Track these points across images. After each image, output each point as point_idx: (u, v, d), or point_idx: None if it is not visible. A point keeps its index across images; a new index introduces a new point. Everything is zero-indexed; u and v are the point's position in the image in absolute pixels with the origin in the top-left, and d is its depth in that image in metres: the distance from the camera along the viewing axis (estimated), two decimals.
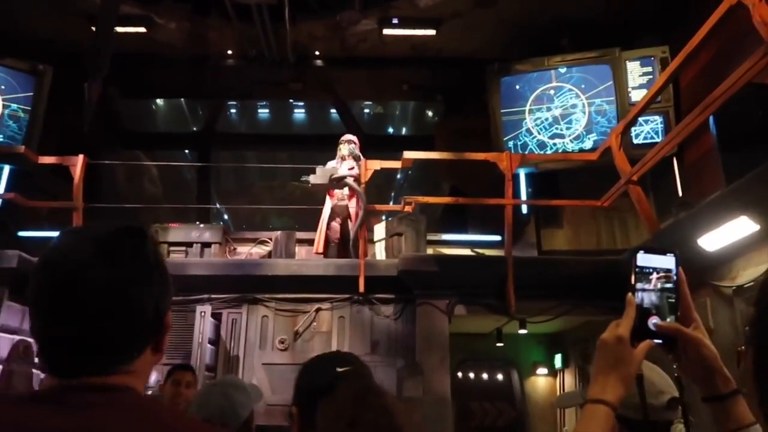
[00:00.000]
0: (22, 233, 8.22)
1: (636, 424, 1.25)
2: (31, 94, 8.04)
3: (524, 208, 8.18)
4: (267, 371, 5.79)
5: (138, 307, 0.94)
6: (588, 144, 7.92)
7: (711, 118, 4.61)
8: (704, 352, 0.99)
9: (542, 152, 7.87)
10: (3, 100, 7.96)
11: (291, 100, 14.08)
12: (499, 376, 8.77)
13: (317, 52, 9.10)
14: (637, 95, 7.79)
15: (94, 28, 7.43)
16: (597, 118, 7.95)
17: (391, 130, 14.95)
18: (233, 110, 14.54)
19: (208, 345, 5.53)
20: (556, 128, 8.03)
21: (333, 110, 13.24)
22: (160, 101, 13.04)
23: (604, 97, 7.90)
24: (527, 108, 8.12)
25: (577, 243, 8.56)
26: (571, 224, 8.70)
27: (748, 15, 3.86)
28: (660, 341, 1.02)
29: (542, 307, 5.91)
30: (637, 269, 1.05)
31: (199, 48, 8.90)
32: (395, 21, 8.25)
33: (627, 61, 7.82)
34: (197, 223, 8.27)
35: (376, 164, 6.12)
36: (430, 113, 12.85)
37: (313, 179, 6.18)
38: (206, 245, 7.56)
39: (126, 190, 10.37)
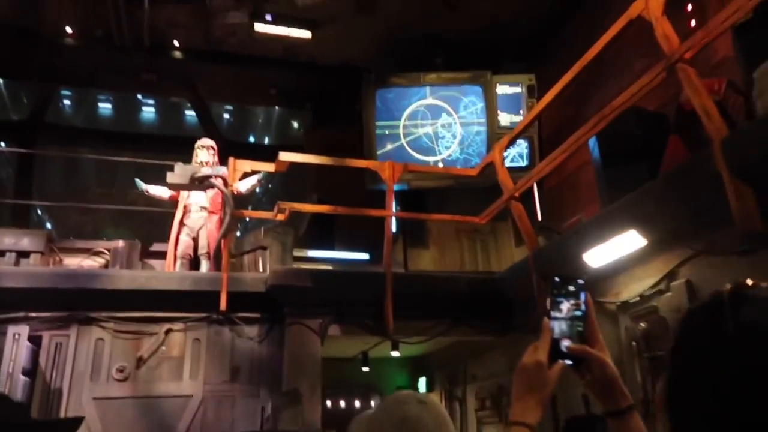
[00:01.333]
0: None
1: None
2: None
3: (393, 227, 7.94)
4: (99, 407, 4.75)
5: None
6: (459, 164, 7.93)
7: (594, 141, 4.67)
8: (607, 371, 1.08)
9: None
10: None
11: (140, 96, 12.62)
12: (358, 404, 8.37)
13: (176, 42, 8.15)
14: (505, 119, 8.00)
15: None
16: (468, 138, 8.00)
17: (252, 139, 14.06)
18: (67, 101, 12.59)
19: (22, 376, 4.39)
20: (430, 146, 7.95)
21: (188, 111, 12.12)
22: None
23: (476, 118, 7.99)
24: (402, 123, 7.95)
25: (443, 264, 8.53)
26: (437, 245, 8.67)
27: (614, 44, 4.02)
28: (570, 362, 1.09)
29: (419, 327, 5.61)
30: (552, 297, 1.12)
31: (30, 21, 7.50)
32: (269, 17, 7.65)
33: (497, 85, 8.00)
34: (13, 227, 6.83)
35: (246, 165, 5.43)
36: (295, 124, 12.29)
37: (170, 178, 5.30)
38: (23, 254, 6.20)
39: None
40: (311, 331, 5.19)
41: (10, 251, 6.17)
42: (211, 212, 6.10)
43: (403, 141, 7.91)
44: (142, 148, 10.15)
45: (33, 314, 4.77)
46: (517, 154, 7.92)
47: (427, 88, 8.01)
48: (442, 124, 7.96)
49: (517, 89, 7.98)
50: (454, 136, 7.98)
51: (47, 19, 7.52)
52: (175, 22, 7.75)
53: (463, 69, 8.05)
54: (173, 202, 6.22)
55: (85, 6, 7.28)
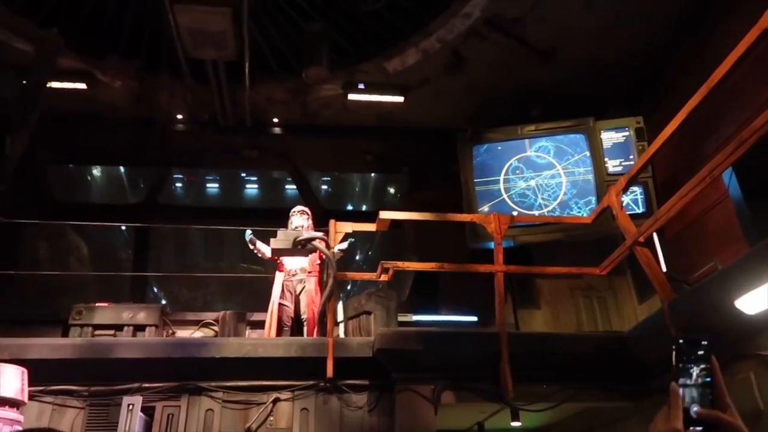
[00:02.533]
0: None
1: None
2: None
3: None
4: None
5: None
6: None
7: (730, 173, 4.14)
8: None
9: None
10: None
11: (243, 174, 13.27)
12: None
13: (275, 119, 8.50)
14: (613, 165, 7.50)
15: (25, 83, 6.59)
16: (574, 189, 7.54)
17: (350, 207, 14.31)
18: (178, 184, 13.56)
19: None
20: (533, 199, 7.56)
21: (288, 186, 12.52)
22: (96, 171, 11.94)
23: (581, 167, 7.55)
24: (501, 177, 7.66)
25: (557, 325, 7.90)
26: (549, 305, 8.09)
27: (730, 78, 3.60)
28: (700, 428, 1.03)
29: (541, 392, 5.05)
30: (680, 362, 1.07)
31: (145, 110, 8.14)
32: (361, 86, 7.81)
33: (601, 131, 7.57)
34: (130, 302, 7.12)
35: (347, 226, 5.34)
36: (392, 190, 12.34)
37: (274, 243, 5.29)
38: (140, 328, 6.43)
39: (48, 268, 9.06)
40: (423, 399, 4.81)
41: (128, 325, 6.41)
42: (310, 273, 6.02)
43: (504, 196, 7.58)
44: (246, 222, 10.51)
45: (146, 385, 4.78)
46: (630, 201, 7.34)
47: (526, 141, 7.72)
48: (545, 175, 7.58)
49: (625, 133, 7.51)
50: (559, 187, 7.55)
51: (160, 108, 8.12)
52: (273, 100, 8.10)
53: (563, 118, 7.72)
54: (274, 263, 6.24)
55: (193, 93, 7.79)
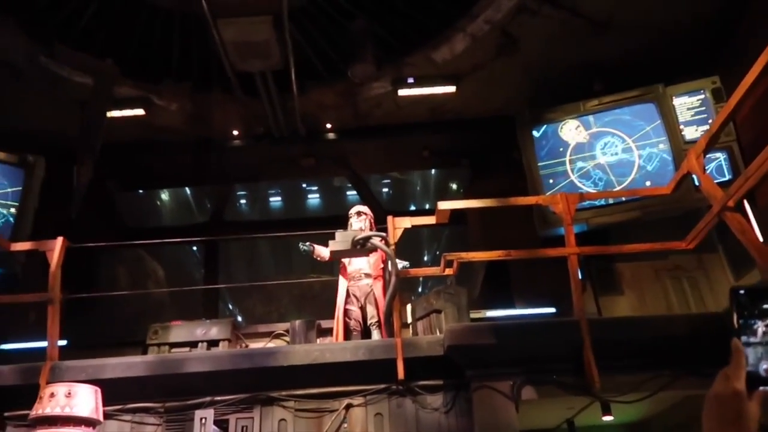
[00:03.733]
0: (4, 345, 7.20)
1: None
2: (20, 188, 7.32)
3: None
4: None
5: None
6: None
7: None
8: None
9: (593, 203, 6.83)
10: None
11: (304, 185, 13.37)
12: None
13: (329, 124, 8.44)
14: (690, 132, 6.90)
15: (86, 113, 6.84)
16: (649, 162, 7.00)
17: (412, 207, 14.12)
18: (243, 200, 13.88)
19: None
20: (604, 178, 7.07)
21: (349, 192, 12.48)
22: (164, 196, 12.39)
23: (654, 138, 7.00)
24: (567, 158, 7.22)
25: (644, 310, 7.33)
26: (633, 289, 7.52)
27: None
28: None
29: (631, 381, 4.62)
30: (741, 317, 0.97)
31: (202, 130, 8.29)
32: (411, 80, 7.61)
33: (673, 97, 6.99)
34: (203, 319, 7.21)
35: (406, 221, 5.13)
36: (454, 186, 12.05)
37: (332, 245, 5.16)
38: (213, 343, 6.50)
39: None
40: (502, 396, 4.50)
41: (202, 341, 6.49)
42: (375, 278, 5.86)
43: (572, 177, 7.14)
44: (310, 231, 10.52)
45: (218, 398, 4.74)
46: (714, 170, 6.72)
47: (590, 117, 7.25)
48: (615, 151, 7.08)
49: (700, 96, 6.90)
50: (632, 163, 7.03)
51: (216, 126, 8.26)
52: (324, 105, 8.04)
53: (629, 89, 7.19)
54: (326, 265, 6.14)
55: (245, 107, 7.87)
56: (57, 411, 3.76)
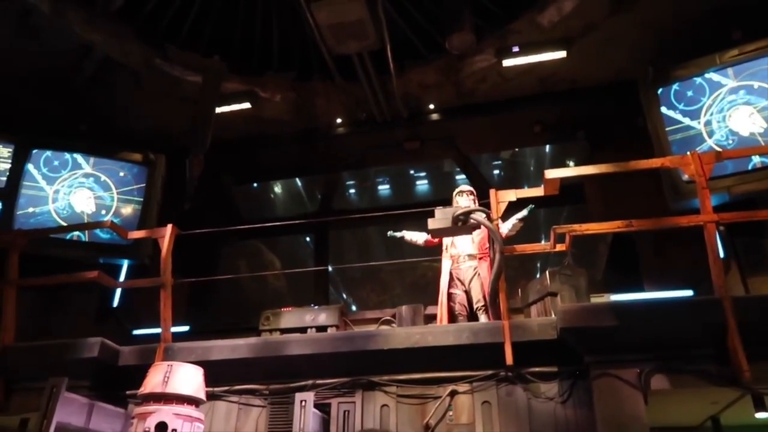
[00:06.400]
0: (137, 331, 7.75)
1: None
2: (144, 185, 7.84)
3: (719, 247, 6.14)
4: None
5: None
6: None
7: None
8: None
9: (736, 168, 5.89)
10: (118, 193, 7.81)
11: (412, 171, 13.18)
12: None
13: (431, 105, 8.13)
14: None
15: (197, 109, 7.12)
16: None
17: (525, 188, 13.31)
18: (352, 190, 13.98)
19: None
20: (749, 137, 6.09)
21: (458, 176, 12.08)
22: (277, 188, 12.79)
23: None
24: (702, 119, 6.32)
25: None
26: None
27: None
28: None
29: None
30: None
31: (306, 119, 8.36)
32: (516, 49, 7.08)
33: None
34: (312, 305, 7.25)
35: (510, 194, 4.71)
36: (571, 162, 11.19)
37: (432, 223, 4.84)
38: (321, 329, 6.49)
39: (248, 283, 9.76)
40: (628, 385, 3.96)
41: (310, 327, 6.50)
42: (480, 258, 5.47)
43: (708, 141, 6.24)
44: (421, 217, 10.29)
45: (320, 381, 4.65)
46: None
47: (729, 70, 6.29)
48: (762, 107, 6.08)
49: None
50: None
51: (319, 114, 8.28)
52: (425, 84, 7.75)
53: None
54: (433, 249, 5.85)
55: (346, 92, 7.79)
56: (162, 389, 3.83)
